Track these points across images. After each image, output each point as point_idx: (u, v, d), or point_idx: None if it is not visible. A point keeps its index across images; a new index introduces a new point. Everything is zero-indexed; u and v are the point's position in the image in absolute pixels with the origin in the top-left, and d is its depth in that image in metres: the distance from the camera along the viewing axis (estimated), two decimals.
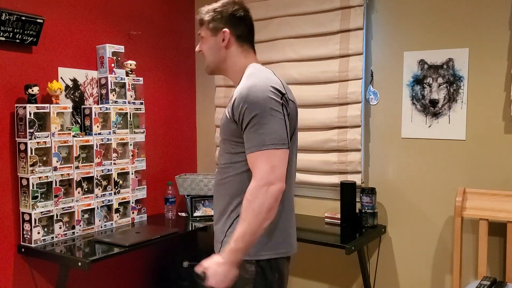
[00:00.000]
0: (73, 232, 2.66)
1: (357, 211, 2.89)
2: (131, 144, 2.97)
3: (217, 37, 1.73)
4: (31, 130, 2.45)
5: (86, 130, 2.79)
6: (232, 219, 1.67)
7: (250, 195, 1.53)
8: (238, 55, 1.74)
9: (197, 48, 1.82)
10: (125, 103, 2.95)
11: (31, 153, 2.45)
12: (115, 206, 2.90)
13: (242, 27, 1.75)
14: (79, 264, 2.28)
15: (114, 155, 2.87)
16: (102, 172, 2.81)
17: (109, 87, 2.87)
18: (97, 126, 2.78)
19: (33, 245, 2.48)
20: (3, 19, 2.37)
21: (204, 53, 1.78)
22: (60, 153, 2.60)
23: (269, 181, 1.52)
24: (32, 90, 2.48)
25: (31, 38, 2.52)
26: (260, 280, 1.63)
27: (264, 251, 1.64)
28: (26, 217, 2.49)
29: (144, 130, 3.06)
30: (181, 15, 3.56)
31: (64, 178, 2.61)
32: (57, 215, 2.58)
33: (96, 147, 2.76)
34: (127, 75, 2.97)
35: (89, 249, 2.50)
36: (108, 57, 2.87)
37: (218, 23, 1.73)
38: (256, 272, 1.63)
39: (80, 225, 2.69)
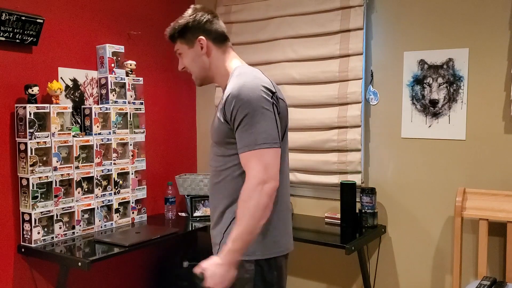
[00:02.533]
0: (73, 232, 2.66)
1: (357, 211, 2.89)
2: (131, 144, 2.97)
3: (195, 47, 1.74)
4: (31, 130, 2.45)
5: (86, 130, 2.79)
6: (229, 220, 1.67)
7: (245, 195, 1.54)
8: (220, 58, 1.75)
9: (179, 67, 1.81)
10: (125, 103, 2.95)
11: (31, 153, 2.45)
12: (115, 206, 2.90)
13: (214, 30, 1.75)
14: (79, 264, 2.28)
15: (114, 155, 2.87)
16: (102, 172, 2.81)
17: (109, 87, 2.87)
18: (97, 126, 2.78)
19: (33, 245, 2.48)
20: (3, 19, 2.37)
21: (188, 67, 1.78)
22: (60, 153, 2.60)
23: (262, 180, 1.52)
24: (32, 90, 2.48)
25: (31, 38, 2.52)
26: (259, 279, 1.64)
27: (262, 250, 1.64)
28: (26, 217, 2.49)
29: (144, 130, 3.06)
30: (181, 15, 3.55)
31: (64, 178, 2.61)
32: (57, 215, 2.58)
33: (96, 147, 2.76)
34: (127, 75, 2.97)
35: (89, 249, 2.50)
36: (108, 57, 2.87)
37: (191, 35, 1.73)
38: (255, 271, 1.63)
39: (80, 225, 2.69)
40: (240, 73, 1.67)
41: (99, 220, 2.80)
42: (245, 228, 1.53)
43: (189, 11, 1.78)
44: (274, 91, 1.62)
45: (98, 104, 2.90)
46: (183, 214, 3.29)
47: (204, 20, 1.74)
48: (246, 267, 1.63)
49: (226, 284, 1.56)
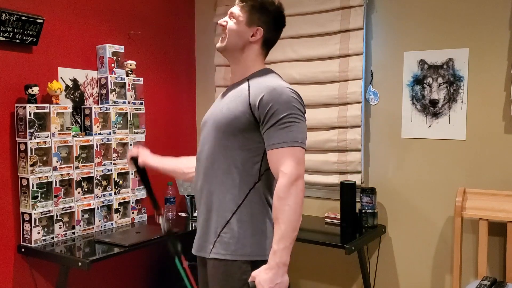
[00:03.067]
0: (73, 232, 2.66)
1: (357, 211, 2.89)
2: (131, 144, 2.97)
3: (250, 29, 1.69)
4: (31, 130, 2.45)
5: (86, 130, 2.79)
6: (226, 220, 1.64)
7: (283, 192, 1.52)
8: (255, 54, 1.73)
9: (222, 21, 1.73)
10: (125, 103, 2.95)
11: (31, 153, 2.45)
12: (115, 206, 2.90)
13: (274, 33, 1.74)
14: (79, 264, 2.28)
15: (114, 155, 2.87)
16: (102, 172, 2.81)
17: (109, 87, 2.87)
18: (97, 126, 2.78)
19: (33, 245, 2.48)
20: (3, 19, 2.37)
21: (228, 30, 1.71)
22: (60, 153, 2.60)
23: (297, 176, 1.53)
24: (32, 90, 2.48)
25: (31, 38, 2.52)
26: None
27: (259, 251, 1.63)
28: (26, 217, 2.49)
29: (144, 130, 3.06)
30: (181, 15, 3.56)
31: (64, 178, 2.61)
32: (57, 215, 2.58)
33: (96, 147, 2.76)
34: (127, 75, 2.97)
35: (89, 249, 2.50)
36: (108, 57, 2.87)
37: (258, 17, 1.69)
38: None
39: (80, 225, 2.69)
40: (274, 77, 1.69)
41: (99, 220, 2.80)
42: (289, 226, 1.51)
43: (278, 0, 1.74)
44: (303, 105, 1.66)
45: (98, 104, 2.90)
46: (183, 214, 3.29)
47: (278, 20, 1.72)
48: (243, 268, 1.61)
49: None
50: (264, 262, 1.57)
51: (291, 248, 1.53)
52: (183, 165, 1.96)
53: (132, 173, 2.98)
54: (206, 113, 1.80)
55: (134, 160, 1.98)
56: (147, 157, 1.99)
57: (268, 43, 1.75)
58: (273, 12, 1.71)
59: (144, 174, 2.00)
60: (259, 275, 1.52)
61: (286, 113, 1.56)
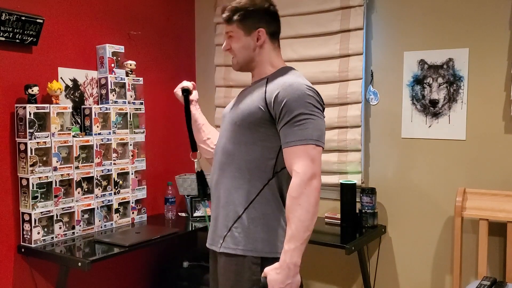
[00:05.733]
0: (73, 232, 2.66)
1: (357, 211, 2.89)
2: (131, 144, 2.97)
3: (251, 36, 1.69)
4: (31, 130, 2.45)
5: (86, 130, 2.79)
6: (237, 215, 1.63)
7: (295, 191, 1.51)
8: (270, 53, 1.73)
9: (225, 47, 1.74)
10: (125, 103, 2.94)
11: (31, 153, 2.45)
12: (115, 206, 2.90)
13: (274, 24, 1.72)
14: (79, 264, 2.28)
15: (114, 155, 2.87)
16: (102, 172, 2.81)
17: (109, 87, 2.87)
18: (97, 126, 2.78)
19: (33, 245, 2.48)
20: (3, 19, 2.37)
21: (234, 51, 1.72)
22: (60, 153, 2.59)
23: (311, 175, 1.52)
24: (32, 90, 2.48)
25: (31, 38, 2.52)
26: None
27: (270, 248, 1.61)
28: (26, 217, 2.49)
29: (144, 130, 3.06)
30: (181, 15, 3.56)
31: (64, 178, 2.60)
32: (57, 215, 2.58)
33: (96, 147, 2.76)
34: (127, 75, 2.97)
35: (89, 249, 2.50)
36: (108, 57, 2.87)
37: (252, 22, 1.68)
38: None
39: (80, 225, 2.69)
40: (293, 74, 1.68)
41: (99, 220, 2.80)
42: (300, 226, 1.49)
43: None
44: (322, 104, 1.65)
45: (98, 104, 2.90)
46: (183, 214, 3.29)
47: (271, 10, 1.70)
48: (253, 268, 1.61)
49: None
50: (275, 259, 1.55)
51: (303, 249, 1.52)
52: (210, 142, 1.91)
53: (132, 173, 2.98)
54: (226, 107, 1.84)
55: (186, 92, 1.91)
56: (195, 99, 1.95)
57: (274, 35, 1.74)
58: (260, 7, 1.69)
59: (188, 110, 1.91)
60: (270, 273, 1.51)
61: (301, 111, 1.55)
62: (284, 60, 1.80)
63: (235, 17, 1.68)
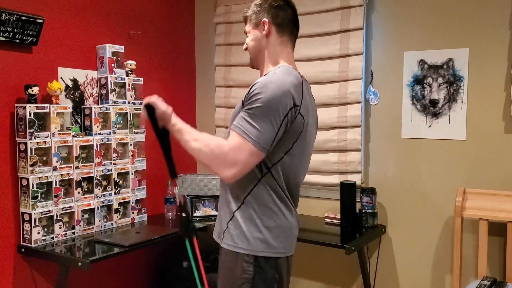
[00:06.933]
0: (73, 232, 2.66)
1: (357, 211, 2.89)
2: (131, 144, 2.97)
3: (258, 28, 1.75)
4: (31, 130, 2.45)
5: (86, 130, 2.79)
6: (231, 214, 1.67)
7: (212, 143, 1.58)
8: (275, 45, 1.75)
9: (244, 46, 1.83)
10: (125, 103, 2.95)
11: (31, 153, 2.45)
12: (115, 206, 2.90)
13: (282, 16, 1.74)
14: (79, 264, 2.28)
15: (114, 155, 2.87)
16: (102, 172, 2.81)
17: (109, 87, 2.87)
18: (97, 126, 2.78)
19: (33, 245, 2.48)
20: (3, 19, 2.37)
21: (248, 47, 1.80)
22: (60, 153, 2.59)
23: (230, 161, 1.55)
24: (32, 90, 2.48)
25: (31, 38, 2.52)
26: (259, 280, 1.63)
27: (264, 248, 1.63)
28: (26, 217, 2.49)
29: (144, 130, 3.06)
30: (181, 15, 3.56)
31: (64, 178, 2.60)
32: (57, 215, 2.58)
33: (96, 147, 2.76)
34: (127, 75, 2.97)
35: (89, 249, 2.50)
36: (108, 57, 2.87)
37: (258, 15, 1.75)
38: (255, 271, 1.62)
39: (80, 225, 2.69)
40: (281, 70, 1.67)
41: (99, 220, 2.80)
42: (199, 144, 1.59)
43: None
44: (298, 105, 1.60)
45: (98, 104, 2.90)
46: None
47: (275, 4, 1.74)
48: (245, 266, 1.62)
49: (159, 107, 1.65)
50: (268, 258, 1.61)
51: (181, 135, 1.64)
52: None
53: (132, 173, 2.98)
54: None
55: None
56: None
57: (283, 26, 1.75)
58: (266, 1, 1.75)
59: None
60: (160, 103, 1.66)
61: (260, 105, 1.54)
62: None
63: (248, 14, 1.79)
